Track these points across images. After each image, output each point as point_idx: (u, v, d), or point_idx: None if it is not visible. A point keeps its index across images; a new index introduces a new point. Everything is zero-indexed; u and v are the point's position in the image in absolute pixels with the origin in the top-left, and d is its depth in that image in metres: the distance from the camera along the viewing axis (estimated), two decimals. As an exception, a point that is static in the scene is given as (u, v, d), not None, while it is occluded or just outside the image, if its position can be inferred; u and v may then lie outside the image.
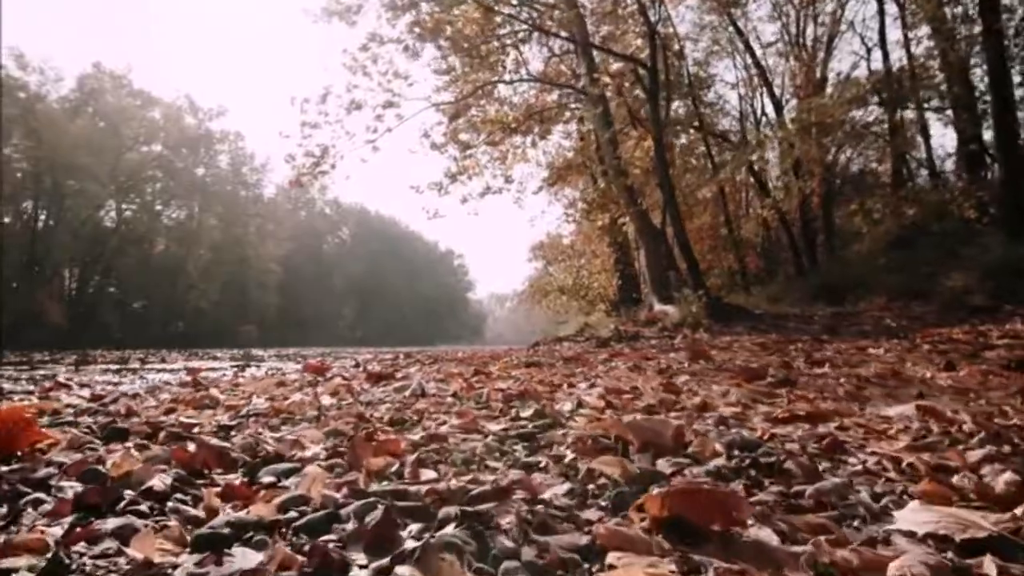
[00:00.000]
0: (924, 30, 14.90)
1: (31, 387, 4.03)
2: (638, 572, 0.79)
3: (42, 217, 39.18)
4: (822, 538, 0.90)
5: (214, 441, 1.61)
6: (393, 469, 1.43)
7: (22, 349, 16.78)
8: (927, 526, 0.94)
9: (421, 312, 75.69)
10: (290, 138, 14.24)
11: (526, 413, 2.08)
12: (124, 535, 0.98)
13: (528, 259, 28.44)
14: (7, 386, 4.45)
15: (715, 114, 19.99)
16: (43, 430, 1.72)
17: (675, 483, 1.19)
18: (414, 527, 1.01)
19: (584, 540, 0.94)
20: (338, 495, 1.19)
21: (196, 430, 1.95)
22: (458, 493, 1.15)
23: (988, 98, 13.61)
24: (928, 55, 14.83)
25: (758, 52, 18.49)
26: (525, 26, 14.18)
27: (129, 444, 1.74)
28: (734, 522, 0.92)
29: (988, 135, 14.02)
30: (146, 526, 1.02)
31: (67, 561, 0.89)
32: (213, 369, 7.21)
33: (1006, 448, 1.47)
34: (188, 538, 0.99)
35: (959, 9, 14.27)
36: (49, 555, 0.90)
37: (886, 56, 15.38)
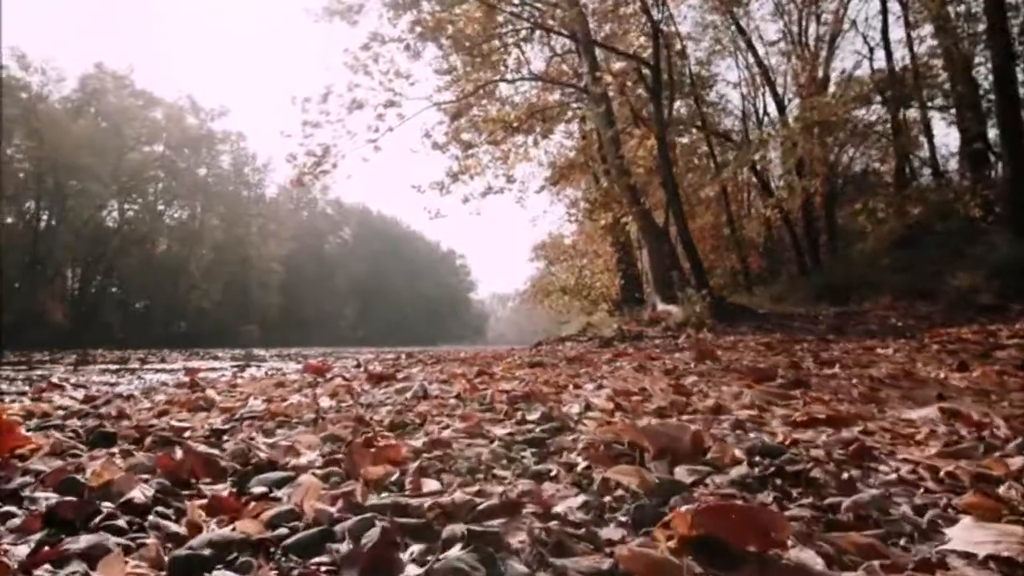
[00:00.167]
0: (927, 29, 14.82)
1: (26, 388, 3.96)
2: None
3: (44, 217, 39.23)
4: (876, 563, 0.80)
5: (202, 448, 1.52)
6: (393, 479, 1.34)
7: (24, 349, 16.74)
8: (985, 546, 0.85)
9: (423, 312, 75.65)
10: (291, 137, 14.21)
11: (533, 416, 2.00)
12: (94, 556, 0.88)
13: (530, 259, 28.37)
14: (2, 387, 4.38)
15: (717, 114, 19.93)
16: (26, 434, 1.64)
17: (699, 495, 1.10)
18: (416, 548, 0.92)
19: (606, 564, 0.84)
20: (333, 509, 1.10)
21: (187, 434, 1.87)
22: (464, 507, 1.06)
23: (992, 96, 13.54)
24: (931, 53, 14.74)
25: (760, 51, 18.42)
26: (527, 24, 14.10)
27: (115, 450, 1.66)
28: (772, 543, 0.83)
29: (992, 133, 13.97)
30: (119, 546, 0.92)
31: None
32: (213, 369, 7.14)
33: (1047, 454, 1.38)
34: (166, 559, 0.90)
35: (962, 7, 14.20)
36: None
37: (889, 55, 15.29)
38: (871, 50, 16.66)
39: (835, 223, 17.36)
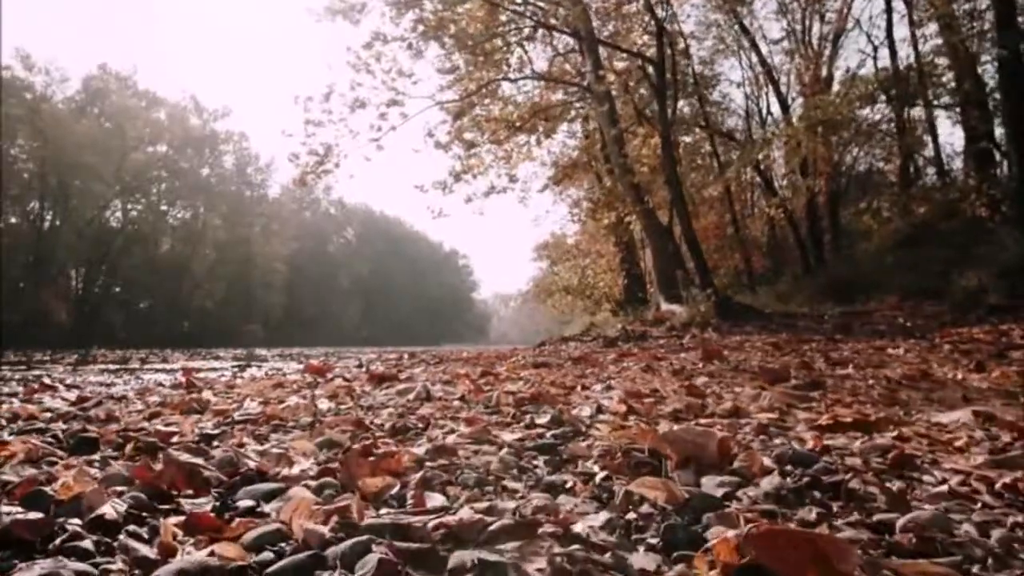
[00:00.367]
0: (932, 28, 14.69)
1: (20, 388, 3.85)
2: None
3: (48, 217, 39.26)
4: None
5: (185, 456, 1.39)
6: (393, 491, 1.24)
7: (28, 348, 16.68)
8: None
9: (426, 312, 75.63)
10: (294, 137, 14.10)
11: (542, 420, 1.89)
12: (46, 588, 0.77)
13: (532, 259, 28.30)
14: (-3, 387, 4.28)
15: (721, 113, 19.85)
16: (2, 440, 1.54)
17: (734, 511, 0.99)
18: (419, 581, 0.81)
19: (642, 601, 0.73)
20: (325, 529, 0.98)
21: (175, 440, 1.76)
22: (473, 528, 0.95)
23: (999, 94, 13.41)
24: (936, 51, 14.60)
25: (764, 50, 18.31)
26: (530, 22, 14.00)
27: (95, 457, 1.56)
28: (835, 574, 0.72)
29: (998, 132, 13.84)
30: (77, 574, 0.81)
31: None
32: (213, 369, 7.05)
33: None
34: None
35: (968, 5, 14.07)
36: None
37: (893, 54, 15.18)
38: (875, 49, 16.58)
39: (839, 222, 17.26)
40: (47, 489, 1.17)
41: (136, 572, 0.86)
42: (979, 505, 1.09)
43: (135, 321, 41.36)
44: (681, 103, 15.94)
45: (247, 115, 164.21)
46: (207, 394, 2.87)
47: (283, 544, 0.95)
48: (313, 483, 1.31)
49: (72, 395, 3.00)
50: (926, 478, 1.25)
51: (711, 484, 1.19)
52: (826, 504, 1.11)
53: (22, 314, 31.14)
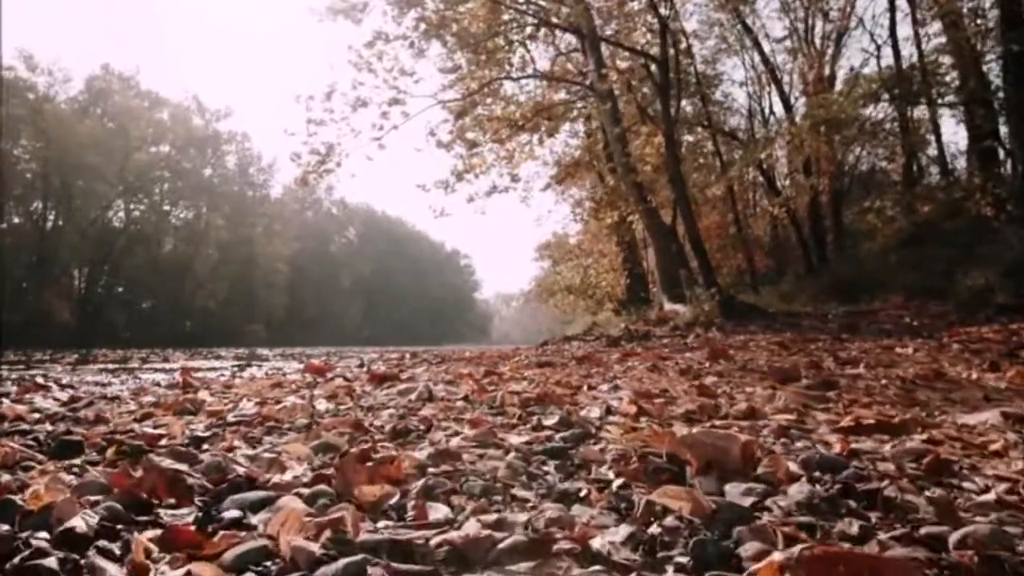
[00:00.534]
0: (936, 26, 14.60)
1: (14, 388, 3.78)
2: None
3: (51, 217, 39.34)
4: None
5: (167, 462, 1.30)
6: (393, 501, 1.15)
7: (30, 348, 16.63)
8: None
9: (428, 312, 75.65)
10: (295, 136, 14.04)
11: (550, 421, 1.80)
12: (1, 613, 0.69)
13: (534, 259, 28.28)
14: (-8, 387, 4.21)
15: (723, 112, 19.77)
16: (-23, 444, 1.46)
17: (767, 524, 0.90)
18: (421, 611, 0.72)
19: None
20: (315, 546, 0.89)
21: (163, 442, 1.67)
22: (481, 545, 0.86)
23: (1003, 93, 13.33)
24: (941, 50, 14.51)
25: (766, 49, 18.24)
26: (533, 20, 13.93)
27: (77, 461, 1.47)
28: (898, 604, 0.63)
29: (1003, 130, 13.76)
30: None
31: None
32: (213, 369, 6.98)
33: None
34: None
35: (972, 3, 13.97)
36: None
37: (897, 53, 15.07)
38: (878, 48, 16.48)
39: (841, 222, 17.17)
40: (16, 498, 1.08)
41: (102, 597, 0.77)
42: (1033, 516, 0.99)
43: (138, 321, 41.42)
44: (684, 102, 15.87)
45: (249, 115, 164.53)
46: (203, 394, 2.79)
47: (268, 563, 0.86)
48: (306, 491, 1.23)
49: (65, 395, 2.92)
50: (967, 485, 1.17)
51: (736, 492, 1.11)
52: (863, 515, 1.02)
53: (25, 314, 31.18)
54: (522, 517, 1.03)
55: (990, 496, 1.10)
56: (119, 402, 2.69)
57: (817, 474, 1.21)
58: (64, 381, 4.32)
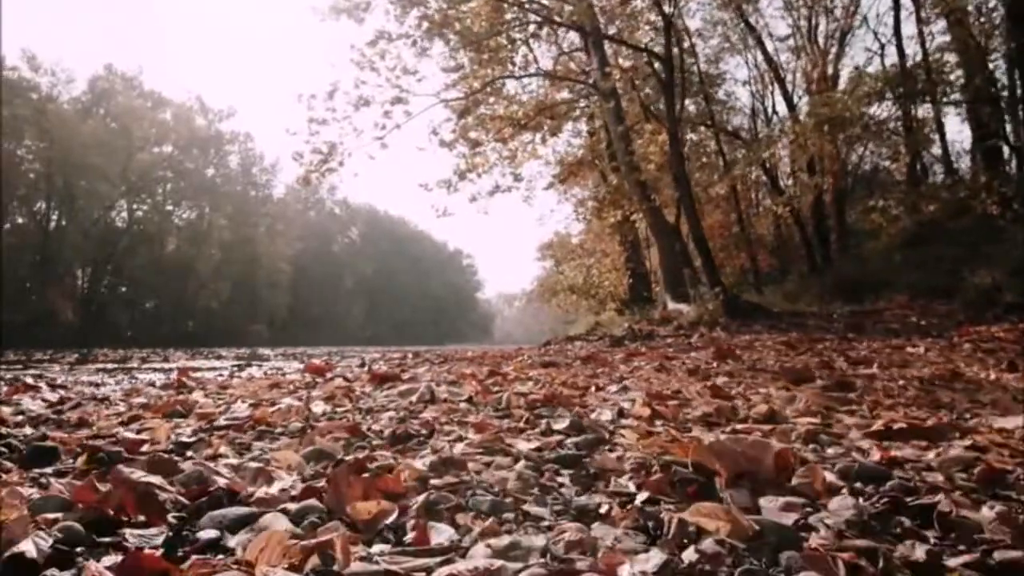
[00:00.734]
0: (940, 25, 14.53)
1: (3, 389, 3.75)
2: None
3: (54, 217, 39.45)
4: None
5: (137, 475, 1.15)
6: (390, 520, 1.03)
7: (34, 347, 16.63)
8: None
9: (430, 311, 75.66)
10: (298, 135, 14.02)
11: (560, 425, 1.70)
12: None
13: (536, 258, 28.25)
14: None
15: (726, 112, 19.71)
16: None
17: (819, 548, 0.83)
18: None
19: None
20: None
21: (145, 448, 1.57)
22: (493, 578, 0.75)
23: (1006, 92, 13.27)
24: (945, 47, 14.43)
25: (770, 48, 18.18)
26: (536, 18, 13.88)
27: (48, 470, 1.37)
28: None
29: (1008, 129, 13.68)
30: None
31: None
32: (213, 368, 6.94)
33: None
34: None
35: (977, 0, 13.89)
36: None
37: (901, 51, 15.00)
38: (882, 46, 16.40)
39: (845, 221, 17.10)
40: (-38, 517, 0.96)
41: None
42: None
43: (141, 321, 41.52)
44: (687, 101, 15.81)
45: (252, 116, 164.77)
46: (197, 395, 2.71)
47: (243, 599, 0.76)
48: (293, 507, 1.11)
49: (55, 396, 2.83)
50: (1024, 497, 1.08)
51: (773, 507, 1.01)
52: (919, 533, 0.93)
53: (28, 314, 31.26)
54: (538, 541, 0.92)
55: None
56: (108, 404, 2.61)
57: (858, 485, 1.12)
58: (58, 381, 4.26)
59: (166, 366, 7.90)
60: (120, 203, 42.98)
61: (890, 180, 17.94)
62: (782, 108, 18.91)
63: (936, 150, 16.04)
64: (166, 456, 1.46)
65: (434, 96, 14.42)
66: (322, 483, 1.21)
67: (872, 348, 5.02)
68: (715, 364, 3.90)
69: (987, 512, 0.99)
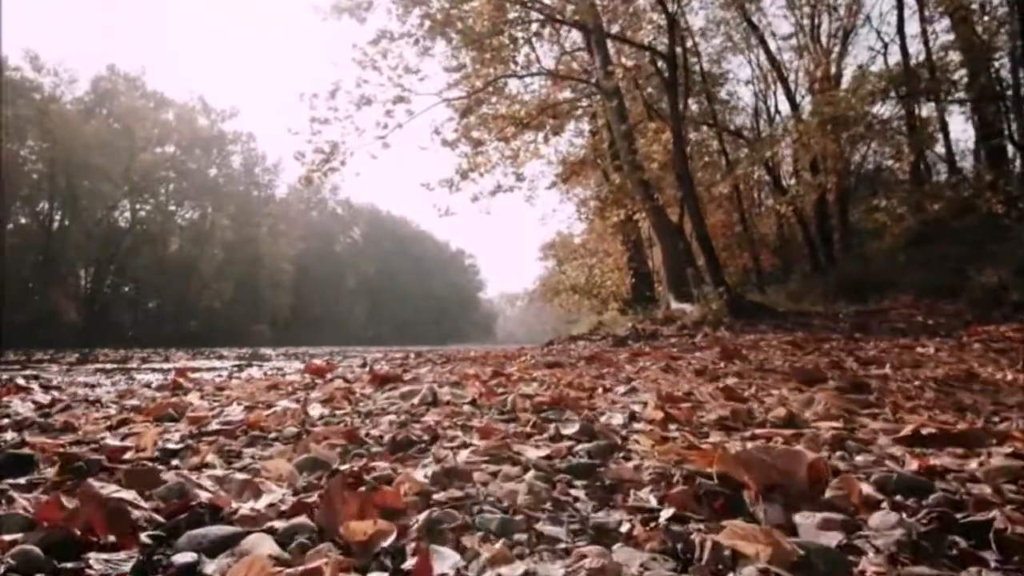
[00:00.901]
0: (944, 23, 14.44)
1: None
2: None
3: (57, 217, 39.52)
4: None
5: (109, 489, 1.05)
6: (388, 541, 0.93)
7: (37, 347, 16.61)
8: None
9: (432, 311, 75.68)
10: (299, 135, 13.99)
11: (569, 430, 1.62)
12: None
13: (539, 258, 28.24)
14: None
15: (729, 111, 19.65)
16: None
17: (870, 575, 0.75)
18: None
19: None
20: None
21: (128, 455, 1.48)
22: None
23: (1011, 90, 13.19)
24: (949, 46, 14.34)
25: (772, 47, 18.11)
26: (539, 16, 13.83)
27: (22, 480, 1.28)
28: None
29: (1013, 127, 13.61)
30: None
31: None
32: (212, 369, 6.88)
33: None
34: None
35: (982, -2, 13.81)
36: None
37: (904, 50, 14.92)
38: (885, 46, 16.33)
39: (848, 220, 17.03)
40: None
41: None
42: None
43: (144, 320, 41.58)
44: (690, 101, 15.75)
45: (254, 116, 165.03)
46: (192, 397, 2.63)
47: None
48: (281, 525, 1.01)
49: (47, 398, 2.74)
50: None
51: (810, 525, 0.91)
52: (977, 556, 0.85)
53: (32, 314, 31.31)
54: (557, 570, 0.82)
55: None
56: (99, 406, 2.52)
57: (898, 498, 1.04)
58: (54, 382, 4.19)
59: (166, 366, 7.84)
60: (123, 203, 43.09)
61: (893, 179, 17.88)
62: (784, 107, 18.88)
63: (940, 149, 16.00)
64: (148, 466, 1.36)
65: (436, 95, 14.39)
66: (314, 497, 1.12)
67: (881, 348, 4.94)
68: (722, 364, 3.83)
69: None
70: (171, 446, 1.60)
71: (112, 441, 1.62)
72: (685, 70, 13.45)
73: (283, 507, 1.10)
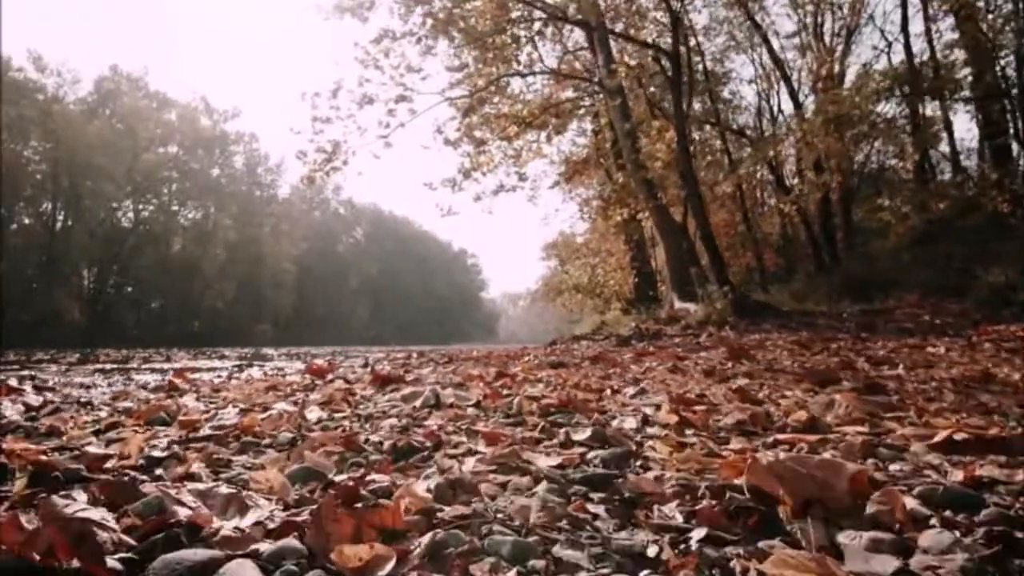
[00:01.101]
0: (948, 22, 14.35)
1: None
2: None
3: (60, 217, 39.57)
4: None
5: (74, 508, 0.93)
6: (386, 570, 0.83)
7: (41, 347, 16.58)
8: None
9: (435, 311, 75.67)
10: (301, 134, 13.96)
11: (580, 436, 1.52)
12: None
13: (541, 258, 28.23)
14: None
15: (731, 110, 19.59)
16: None
17: None
18: None
19: None
20: None
21: (110, 464, 1.37)
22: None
23: (1016, 89, 13.10)
24: (953, 44, 14.25)
25: (776, 46, 18.04)
26: (541, 15, 13.77)
27: None
28: None
29: (1019, 125, 13.52)
30: None
31: None
32: (213, 369, 6.82)
33: None
34: None
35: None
36: None
37: (909, 48, 14.82)
38: (889, 44, 16.24)
39: (851, 220, 16.94)
40: None
41: None
42: None
43: (147, 320, 41.63)
44: (693, 99, 15.69)
45: (257, 116, 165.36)
46: (187, 399, 2.54)
47: None
48: (266, 548, 0.91)
49: (38, 400, 2.65)
50: None
51: (857, 547, 0.82)
52: None
53: (35, 314, 31.35)
54: None
55: None
56: (89, 408, 2.43)
57: (948, 514, 0.95)
58: (49, 383, 4.12)
59: (166, 366, 7.78)
60: (126, 203, 43.12)
61: (896, 178, 17.80)
62: (788, 106, 18.80)
63: (944, 147, 15.91)
64: (128, 478, 1.25)
65: (439, 94, 14.34)
66: (305, 515, 1.01)
67: (890, 348, 4.87)
68: (730, 365, 3.76)
69: None
70: (157, 454, 1.50)
71: (93, 449, 1.52)
72: (689, 68, 13.39)
73: (271, 525, 1.00)
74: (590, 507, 1.06)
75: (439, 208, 15.15)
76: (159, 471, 1.38)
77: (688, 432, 1.59)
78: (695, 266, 12.51)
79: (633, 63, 14.82)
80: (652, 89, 15.74)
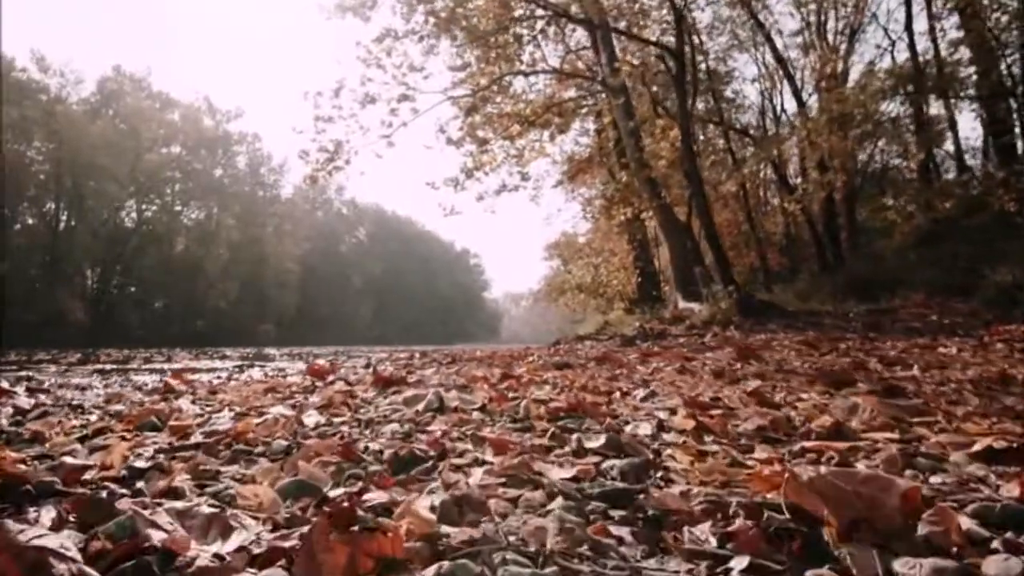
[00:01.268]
0: (953, 20, 14.24)
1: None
2: None
3: (63, 217, 39.65)
4: None
5: (29, 534, 0.82)
6: None
7: (44, 347, 16.57)
8: None
9: (438, 311, 75.67)
10: (304, 133, 13.93)
11: (594, 444, 1.43)
12: None
13: (544, 258, 28.20)
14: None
15: (735, 109, 19.52)
16: None
17: None
18: None
19: None
20: None
21: (89, 475, 1.27)
22: None
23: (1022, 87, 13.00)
24: (957, 42, 14.14)
25: (779, 45, 17.97)
26: (544, 13, 13.70)
27: None
28: None
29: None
30: None
31: None
32: (213, 369, 6.77)
33: None
34: None
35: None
36: None
37: (913, 47, 14.70)
38: (893, 43, 16.13)
39: (855, 219, 16.85)
40: None
41: None
42: None
43: (150, 320, 41.68)
44: (696, 98, 15.62)
45: (260, 116, 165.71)
46: (183, 401, 2.47)
47: None
48: None
49: (29, 402, 2.57)
50: None
51: None
52: None
53: (39, 314, 31.39)
54: None
55: None
56: (80, 412, 2.34)
57: (1010, 535, 0.86)
58: (45, 384, 4.04)
59: (166, 367, 7.73)
60: (129, 203, 43.20)
61: (900, 178, 17.72)
62: (791, 106, 18.73)
63: (948, 146, 15.81)
64: (104, 493, 1.14)
65: (441, 93, 14.28)
66: (295, 538, 0.90)
67: (900, 348, 4.79)
68: (739, 365, 3.68)
69: None
70: (140, 464, 1.40)
71: (71, 460, 1.39)
72: (693, 67, 13.31)
73: (256, 550, 0.90)
74: (612, 528, 0.96)
75: (442, 208, 15.11)
76: (140, 484, 1.29)
77: (708, 439, 1.50)
78: (699, 265, 12.42)
79: (636, 62, 14.76)
80: (656, 88, 15.67)
